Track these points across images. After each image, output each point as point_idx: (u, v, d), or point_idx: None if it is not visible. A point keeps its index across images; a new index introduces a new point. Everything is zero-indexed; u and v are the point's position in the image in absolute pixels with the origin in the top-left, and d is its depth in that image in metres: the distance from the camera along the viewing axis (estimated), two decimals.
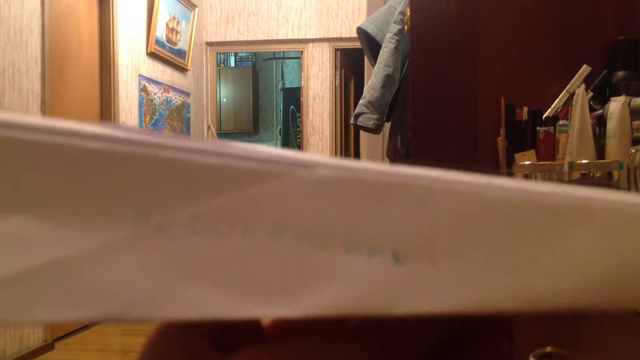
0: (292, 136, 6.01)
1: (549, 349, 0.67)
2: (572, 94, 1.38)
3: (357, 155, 4.41)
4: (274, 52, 5.78)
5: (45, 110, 2.71)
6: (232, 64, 6.29)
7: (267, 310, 0.12)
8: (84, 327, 3.08)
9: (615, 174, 1.03)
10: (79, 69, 3.09)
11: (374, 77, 1.79)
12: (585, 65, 1.45)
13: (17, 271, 0.11)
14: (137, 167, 0.12)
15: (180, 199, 0.12)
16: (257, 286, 0.12)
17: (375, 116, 1.81)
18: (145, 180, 0.12)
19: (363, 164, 0.13)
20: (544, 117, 1.39)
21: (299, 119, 5.49)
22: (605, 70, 1.44)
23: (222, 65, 6.08)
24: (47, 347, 2.73)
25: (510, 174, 1.22)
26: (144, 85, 3.73)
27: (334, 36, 4.73)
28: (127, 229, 0.12)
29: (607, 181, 1.02)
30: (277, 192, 0.12)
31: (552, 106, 1.41)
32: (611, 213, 0.13)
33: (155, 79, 3.90)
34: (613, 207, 0.13)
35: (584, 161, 1.12)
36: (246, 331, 0.16)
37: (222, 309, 0.12)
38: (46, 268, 0.11)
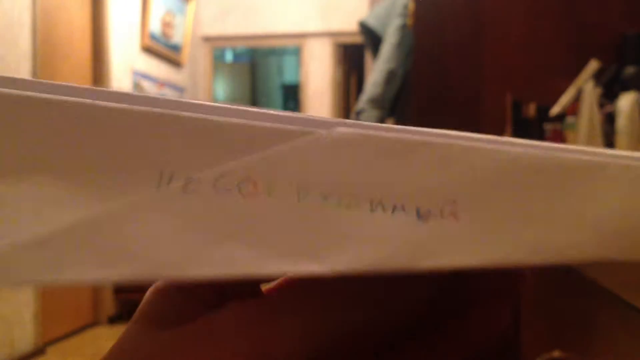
0: None
1: (556, 353, 0.65)
2: (581, 90, 1.35)
3: None
4: (273, 48, 5.74)
5: None
6: (230, 59, 6.26)
7: (295, 266, 0.12)
8: (76, 332, 3.08)
9: None
10: (71, 64, 3.08)
11: (375, 72, 1.76)
12: (593, 60, 1.42)
13: (44, 232, 0.11)
14: (158, 126, 0.12)
15: (204, 158, 0.12)
16: (284, 244, 0.12)
17: (377, 113, 1.78)
18: (168, 140, 0.12)
19: (383, 124, 0.13)
20: (551, 113, 1.36)
21: None
22: (615, 65, 1.41)
23: (218, 60, 6.04)
24: (39, 351, 2.71)
25: None
26: (138, 81, 3.69)
27: (335, 30, 4.70)
28: (151, 189, 0.12)
29: None
30: (299, 151, 0.12)
31: (559, 102, 1.39)
32: (624, 168, 0.14)
33: (150, 75, 3.86)
34: (625, 162, 0.14)
35: None
36: (242, 294, 0.16)
37: (250, 266, 0.12)
38: (72, 228, 0.12)
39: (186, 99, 0.12)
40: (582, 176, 0.14)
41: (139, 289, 3.39)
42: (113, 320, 3.31)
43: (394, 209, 0.13)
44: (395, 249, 0.13)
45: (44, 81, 0.12)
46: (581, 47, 1.49)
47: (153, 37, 3.82)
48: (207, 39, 4.83)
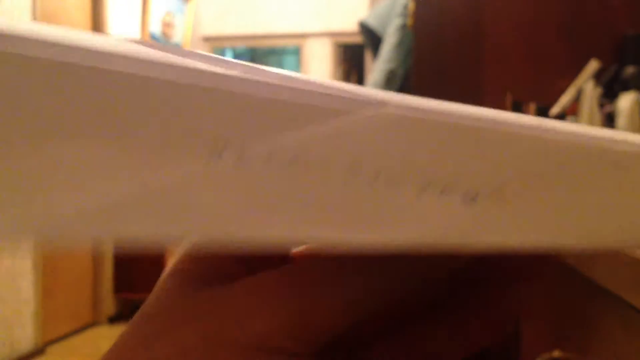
0: None
1: (556, 353, 0.65)
2: (581, 90, 1.35)
3: None
4: (273, 48, 5.74)
5: None
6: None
7: (346, 238, 0.13)
8: (76, 332, 3.08)
9: None
10: None
11: (375, 72, 1.76)
12: (593, 60, 1.42)
13: (101, 199, 0.12)
14: (213, 97, 0.12)
15: (257, 132, 0.12)
16: (334, 222, 0.12)
17: None
18: (222, 112, 0.12)
19: (435, 103, 0.13)
20: (551, 113, 1.36)
21: None
22: (615, 65, 1.41)
23: None
24: (39, 351, 2.71)
25: None
26: None
27: (335, 30, 4.70)
28: (203, 161, 0.12)
29: None
30: (350, 129, 0.12)
31: (559, 102, 1.39)
32: None
33: None
34: None
35: None
36: (279, 261, 0.17)
37: (304, 239, 0.13)
38: (127, 197, 0.12)
39: (243, 68, 0.12)
40: (629, 165, 0.14)
41: (138, 289, 3.40)
42: (113, 320, 3.31)
43: (442, 190, 0.13)
44: (442, 230, 0.13)
45: (87, 44, 0.11)
46: (581, 47, 1.49)
47: (153, 37, 3.82)
48: (207, 39, 4.83)
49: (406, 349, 0.16)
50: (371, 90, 0.13)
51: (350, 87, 0.13)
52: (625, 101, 1.12)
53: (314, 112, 0.12)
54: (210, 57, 0.13)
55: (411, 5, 1.62)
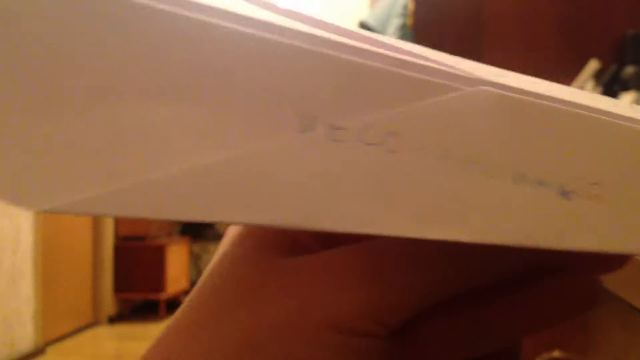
0: None
1: (556, 353, 0.65)
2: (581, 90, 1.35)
3: None
4: None
5: None
6: None
7: (433, 233, 0.12)
8: (76, 331, 3.07)
9: None
10: None
11: None
12: (593, 60, 1.42)
13: (192, 166, 0.11)
14: (307, 64, 0.11)
15: (352, 106, 0.11)
16: (424, 208, 0.12)
17: None
18: (316, 81, 0.11)
19: (540, 85, 0.13)
20: None
21: None
22: (615, 65, 1.41)
23: None
24: (39, 351, 2.71)
25: None
26: None
27: None
28: (295, 133, 0.11)
29: None
30: (445, 108, 0.12)
31: None
32: None
33: None
34: None
35: None
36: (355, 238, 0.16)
37: (388, 227, 0.12)
38: (218, 165, 0.11)
39: (345, 33, 0.12)
40: None
41: (138, 289, 3.40)
42: (113, 320, 3.31)
43: (537, 183, 0.12)
44: (536, 225, 0.12)
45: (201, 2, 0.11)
46: (581, 46, 1.49)
47: None
48: None
49: (467, 325, 0.16)
50: (478, 66, 0.13)
51: (455, 61, 0.12)
52: (625, 101, 1.12)
53: (409, 86, 0.12)
54: (316, 20, 0.12)
55: (411, 5, 1.62)
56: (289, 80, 0.11)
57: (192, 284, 3.80)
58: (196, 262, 4.06)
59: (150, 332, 3.16)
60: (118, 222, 3.40)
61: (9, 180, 0.11)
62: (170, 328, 0.15)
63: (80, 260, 3.16)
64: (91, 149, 0.11)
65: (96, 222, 3.29)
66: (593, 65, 1.41)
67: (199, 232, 4.04)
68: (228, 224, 0.12)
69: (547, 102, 0.12)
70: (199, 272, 4.03)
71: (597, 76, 1.40)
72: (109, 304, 3.30)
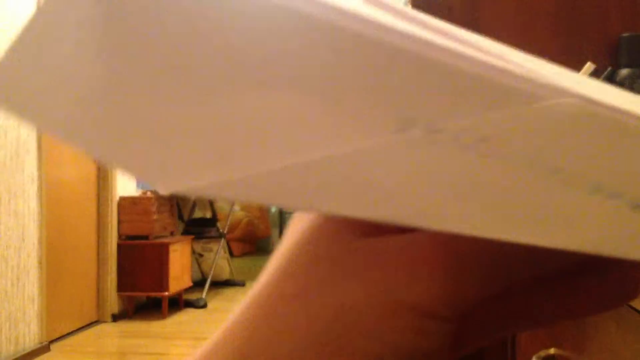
0: None
1: (552, 350, 0.66)
2: None
3: None
4: None
5: None
6: None
7: (518, 237, 0.12)
8: (81, 329, 3.07)
9: None
10: None
11: None
12: (589, 62, 1.42)
13: (301, 160, 0.12)
14: (409, 65, 0.11)
15: (449, 108, 0.11)
16: (511, 212, 0.12)
17: None
18: (416, 82, 0.11)
19: (618, 96, 0.13)
20: None
21: None
22: (610, 68, 1.41)
23: None
24: (43, 348, 2.72)
25: None
26: None
27: None
28: (391, 133, 0.11)
29: None
30: (536, 118, 0.12)
31: None
32: None
33: None
34: None
35: None
36: None
37: (483, 229, 0.12)
38: (321, 162, 0.12)
39: (448, 34, 0.12)
40: None
41: (142, 287, 3.39)
42: (117, 318, 3.31)
43: (610, 194, 0.12)
44: (605, 235, 0.13)
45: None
46: (576, 49, 1.48)
47: None
48: None
49: (519, 309, 0.17)
50: (560, 70, 0.13)
51: (548, 70, 0.12)
52: None
53: (508, 93, 0.12)
54: (418, 18, 0.12)
55: (409, 6, 1.62)
56: (394, 81, 0.11)
57: (195, 282, 3.78)
58: (198, 261, 4.05)
59: (154, 330, 3.16)
60: (122, 221, 3.40)
61: (148, 163, 0.12)
62: (252, 303, 0.15)
63: (84, 259, 3.16)
64: (216, 138, 0.12)
65: (100, 222, 3.29)
66: (589, 68, 1.41)
67: (202, 232, 4.03)
68: (328, 214, 0.13)
69: (629, 120, 0.12)
70: (201, 271, 4.03)
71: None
72: (112, 302, 3.31)
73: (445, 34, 0.12)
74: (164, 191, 0.12)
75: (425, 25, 0.12)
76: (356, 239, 0.15)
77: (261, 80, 0.11)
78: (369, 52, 0.11)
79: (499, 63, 0.12)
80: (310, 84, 0.11)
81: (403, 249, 0.14)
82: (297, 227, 0.16)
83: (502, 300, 0.16)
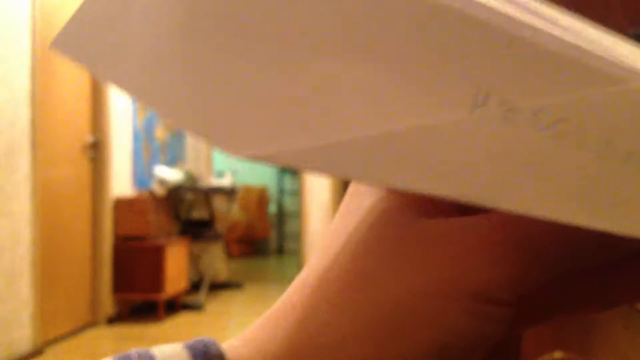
0: None
1: (557, 353, 0.64)
2: None
3: None
4: None
5: (35, 104, 2.67)
6: None
7: (594, 223, 0.12)
8: (75, 332, 3.06)
9: None
10: (70, 63, 3.03)
11: None
12: None
13: (376, 132, 0.12)
14: (491, 39, 0.11)
15: (527, 86, 0.11)
16: (587, 198, 0.12)
17: None
18: (495, 58, 0.11)
19: None
20: None
21: None
22: None
23: None
24: (37, 352, 2.70)
25: None
26: None
27: None
28: (466, 109, 0.12)
29: None
30: (615, 100, 0.12)
31: None
32: None
33: None
34: None
35: None
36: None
37: (556, 213, 0.12)
38: (397, 135, 0.12)
39: (534, 7, 0.12)
40: None
41: (137, 289, 3.39)
42: (112, 320, 3.29)
43: None
44: None
45: None
46: None
47: None
48: None
49: (576, 293, 0.16)
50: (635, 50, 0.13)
51: (627, 50, 0.12)
52: None
53: (589, 74, 0.12)
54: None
55: None
56: (474, 55, 0.11)
57: (192, 284, 3.78)
58: (195, 263, 4.05)
59: (150, 333, 3.15)
60: (117, 222, 3.40)
61: (221, 128, 0.12)
62: (307, 285, 0.15)
63: (79, 260, 3.14)
64: (293, 106, 0.12)
65: (95, 223, 3.28)
66: None
67: (198, 233, 4.03)
68: (396, 188, 0.13)
69: None
70: (198, 273, 4.02)
71: None
72: (107, 304, 3.29)
73: (528, 9, 0.12)
74: (238, 155, 0.12)
75: (509, 0, 0.12)
76: (419, 220, 0.15)
77: (341, 50, 0.11)
78: (451, 24, 0.11)
79: (582, 43, 0.12)
80: (389, 54, 0.11)
81: (467, 230, 0.14)
82: (352, 207, 0.16)
83: (559, 284, 0.16)
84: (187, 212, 4.13)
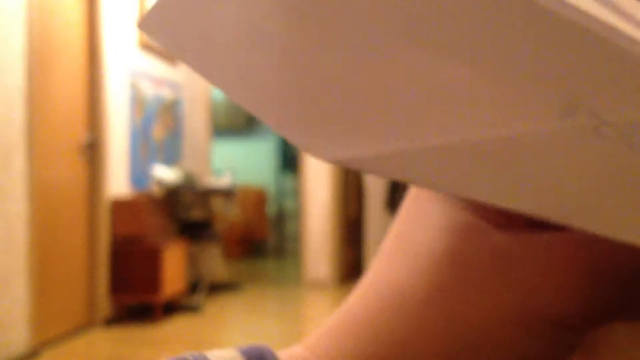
0: None
1: None
2: None
3: None
4: None
5: (30, 103, 2.65)
6: None
7: None
8: (71, 334, 3.04)
9: None
10: (66, 62, 3.05)
11: None
12: None
13: (463, 139, 0.11)
14: (588, 46, 0.11)
15: (622, 98, 0.11)
16: None
17: None
18: (592, 65, 0.11)
19: None
20: None
21: None
22: None
23: None
24: (33, 353, 2.68)
25: None
26: (134, 79, 3.66)
27: None
28: (554, 119, 0.11)
29: None
30: None
31: None
32: None
33: (146, 73, 3.83)
34: None
35: None
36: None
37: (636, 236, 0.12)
38: (478, 141, 0.11)
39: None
40: None
41: (134, 290, 3.37)
42: (109, 322, 3.27)
43: None
44: None
45: None
46: None
47: None
48: None
49: None
50: None
51: None
52: None
53: None
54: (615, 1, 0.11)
55: None
56: (568, 62, 0.11)
57: (189, 285, 3.77)
58: (193, 264, 4.03)
59: (147, 335, 3.14)
60: (114, 222, 3.38)
61: (306, 129, 0.13)
62: (376, 297, 0.15)
63: (75, 261, 3.13)
64: (379, 110, 0.12)
65: (92, 223, 3.26)
66: None
67: (197, 233, 4.02)
68: (473, 200, 0.12)
69: None
70: (196, 274, 4.00)
71: None
72: (104, 305, 3.27)
73: (629, 17, 0.11)
74: (322, 159, 0.13)
75: (611, 6, 0.11)
76: (494, 234, 0.14)
77: (432, 49, 0.11)
78: (546, 27, 0.11)
79: None
80: (479, 57, 0.11)
81: (543, 251, 0.14)
82: (416, 211, 0.16)
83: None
84: (185, 213, 4.11)
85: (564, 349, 0.14)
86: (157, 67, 3.99)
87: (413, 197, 0.16)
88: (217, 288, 4.09)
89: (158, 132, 4.00)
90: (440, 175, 0.12)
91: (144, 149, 3.79)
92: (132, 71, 3.63)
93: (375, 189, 2.95)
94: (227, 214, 4.41)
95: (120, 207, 3.38)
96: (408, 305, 0.14)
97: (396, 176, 0.12)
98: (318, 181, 4.30)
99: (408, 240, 0.15)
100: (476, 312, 0.14)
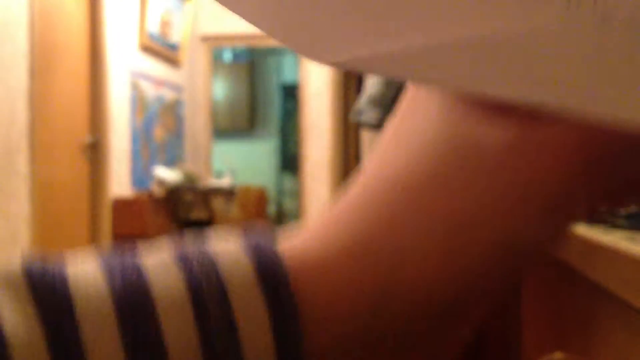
0: (290, 134, 5.97)
1: (558, 354, 0.64)
2: None
3: (357, 153, 4.38)
4: (272, 47, 5.73)
5: (33, 104, 2.66)
6: (229, 59, 6.24)
7: None
8: None
9: None
10: (68, 63, 3.06)
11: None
12: None
13: (459, 36, 0.11)
14: None
15: None
16: None
17: (377, 113, 1.76)
18: None
19: None
20: None
21: (298, 116, 5.44)
22: None
23: (217, 60, 6.03)
24: None
25: None
26: (136, 80, 3.67)
27: None
28: (559, 9, 0.11)
29: None
30: None
31: None
32: None
33: (148, 74, 3.85)
34: None
35: None
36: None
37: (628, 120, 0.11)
38: (482, 38, 0.11)
39: None
40: None
41: None
42: None
43: None
44: None
45: None
46: None
47: (151, 36, 3.81)
48: (206, 39, 4.81)
49: None
50: None
51: None
52: None
53: None
54: None
55: None
56: None
57: None
58: None
59: None
60: (115, 222, 3.39)
61: (308, 38, 0.12)
62: (376, 185, 0.15)
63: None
64: (377, 8, 0.12)
65: (93, 223, 3.27)
66: None
67: (197, 232, 4.02)
68: (476, 94, 0.12)
69: None
70: None
71: None
72: None
73: None
74: (322, 62, 0.12)
75: None
76: (487, 126, 0.14)
77: None
78: None
79: None
80: None
81: (542, 146, 0.14)
82: (413, 109, 0.16)
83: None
84: (186, 213, 4.12)
85: (559, 230, 0.15)
86: (158, 68, 4.00)
87: (411, 95, 0.16)
88: None
89: (159, 132, 4.02)
90: (446, 73, 0.12)
91: (145, 149, 3.81)
92: (133, 72, 3.65)
93: None
94: (228, 214, 4.42)
95: (121, 207, 3.39)
96: (404, 190, 0.15)
97: (398, 75, 0.12)
98: (318, 181, 4.31)
99: (404, 133, 0.15)
100: (469, 195, 0.14)
